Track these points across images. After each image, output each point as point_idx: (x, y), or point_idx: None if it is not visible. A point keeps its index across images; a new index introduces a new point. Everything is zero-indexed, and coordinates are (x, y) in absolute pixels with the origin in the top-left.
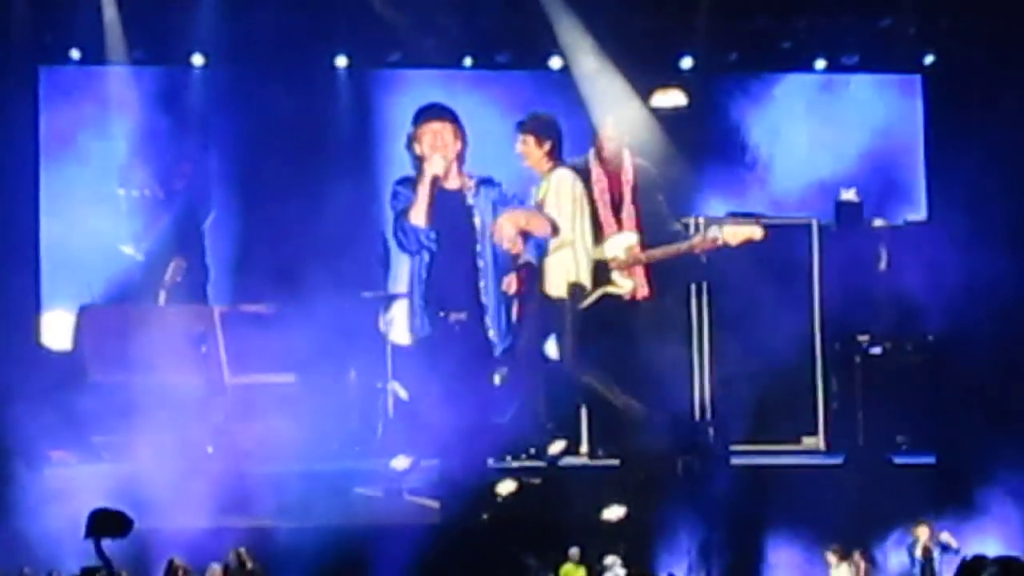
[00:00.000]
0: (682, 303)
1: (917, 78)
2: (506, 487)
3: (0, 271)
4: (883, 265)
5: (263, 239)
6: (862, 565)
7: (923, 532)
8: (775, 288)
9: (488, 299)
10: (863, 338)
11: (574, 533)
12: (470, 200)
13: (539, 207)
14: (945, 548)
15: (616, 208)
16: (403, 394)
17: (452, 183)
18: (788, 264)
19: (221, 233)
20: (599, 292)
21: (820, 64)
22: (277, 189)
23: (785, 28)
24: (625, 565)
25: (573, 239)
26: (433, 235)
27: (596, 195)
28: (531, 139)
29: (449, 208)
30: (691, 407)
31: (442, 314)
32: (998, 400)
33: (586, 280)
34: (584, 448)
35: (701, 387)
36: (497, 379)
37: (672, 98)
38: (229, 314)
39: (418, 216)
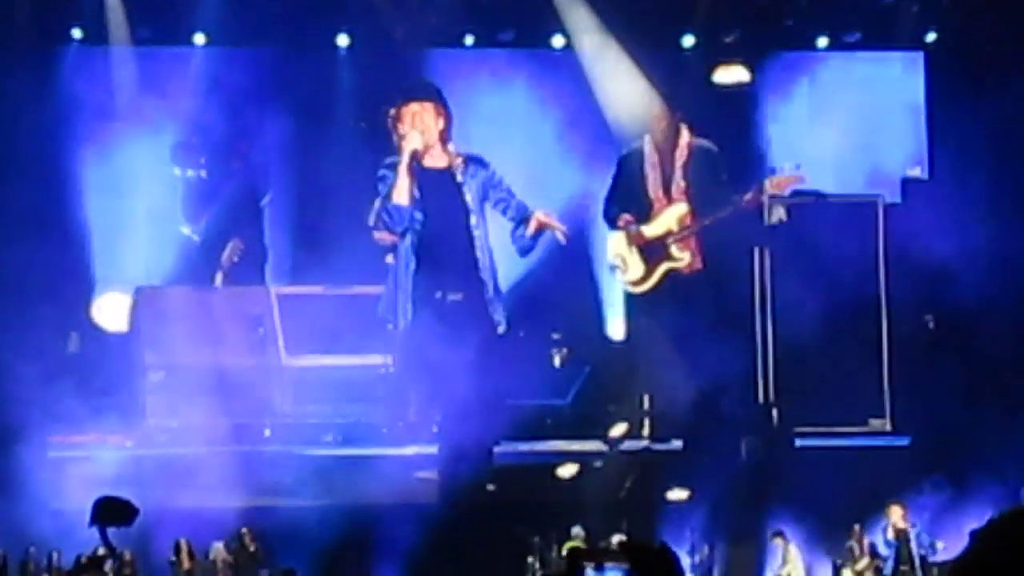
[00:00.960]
0: (738, 278)
1: (920, 55)
2: (567, 470)
3: (51, 253)
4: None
5: (319, 219)
6: (865, 541)
7: (895, 512)
8: (840, 268)
9: (487, 277)
10: (929, 317)
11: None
12: (459, 177)
13: None
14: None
15: (666, 184)
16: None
17: (438, 161)
18: (852, 242)
19: (279, 213)
20: (662, 269)
21: (822, 42)
22: (330, 170)
23: (787, 5)
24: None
25: None
26: (419, 215)
27: (647, 171)
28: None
29: (439, 187)
30: (755, 388)
31: (439, 295)
32: None
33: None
34: (646, 431)
35: (764, 368)
36: (557, 360)
37: (735, 74)
38: (286, 295)
39: (400, 195)
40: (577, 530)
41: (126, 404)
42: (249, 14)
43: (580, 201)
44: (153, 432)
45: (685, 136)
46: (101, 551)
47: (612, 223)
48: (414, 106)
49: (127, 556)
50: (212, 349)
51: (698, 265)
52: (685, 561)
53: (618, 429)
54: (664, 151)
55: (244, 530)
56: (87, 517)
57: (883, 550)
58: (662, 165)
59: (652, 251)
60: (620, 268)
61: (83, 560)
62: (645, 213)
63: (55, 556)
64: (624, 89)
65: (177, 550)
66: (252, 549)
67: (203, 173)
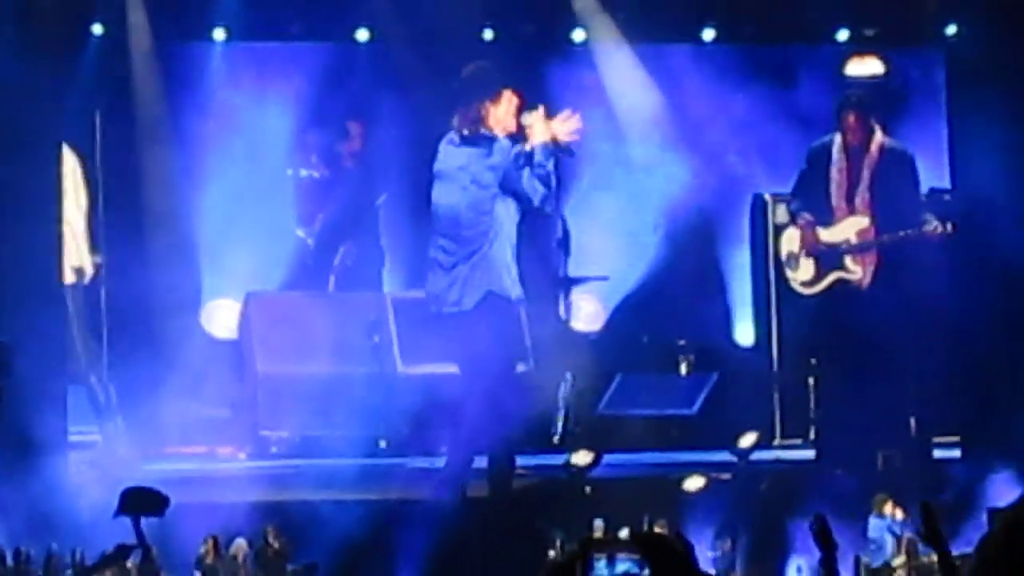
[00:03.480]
0: (905, 292)
1: (940, 47)
2: (694, 483)
3: (163, 258)
4: None
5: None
6: (904, 539)
7: (887, 505)
8: (964, 279)
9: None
10: None
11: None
12: None
13: None
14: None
15: (850, 193)
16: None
17: None
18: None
19: (396, 213)
20: (832, 277)
21: (842, 35)
22: None
23: None
24: None
25: (70, 218)
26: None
27: (833, 175)
28: None
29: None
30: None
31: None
32: None
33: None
34: (778, 441)
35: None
36: (684, 368)
37: (868, 66)
38: (403, 300)
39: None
40: (599, 523)
41: (237, 414)
42: (266, 10)
43: (703, 201)
44: (266, 442)
45: (878, 137)
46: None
47: (792, 218)
48: (512, 96)
49: (153, 551)
50: (325, 357)
51: (868, 281)
52: (707, 555)
53: (747, 439)
54: (853, 153)
55: (269, 528)
56: (114, 508)
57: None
58: (849, 171)
59: (825, 257)
60: (792, 266)
61: (107, 553)
62: (826, 217)
63: (78, 553)
64: (634, 88)
65: (207, 545)
66: (277, 546)
67: (316, 173)
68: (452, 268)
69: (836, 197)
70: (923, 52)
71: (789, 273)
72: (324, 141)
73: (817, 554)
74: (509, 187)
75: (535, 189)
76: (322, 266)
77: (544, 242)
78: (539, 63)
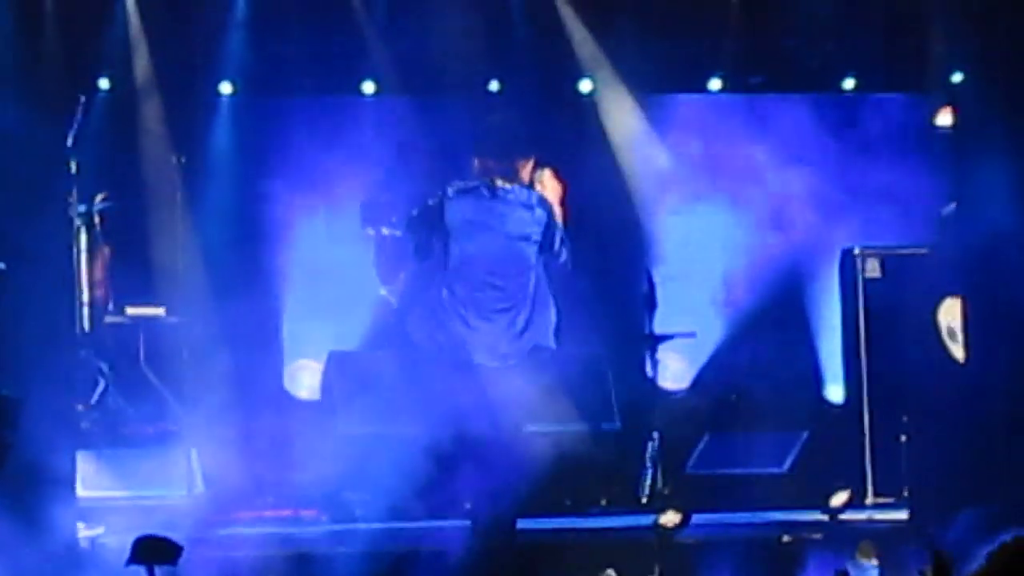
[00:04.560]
0: None
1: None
2: (785, 538)
3: (246, 315)
4: None
5: None
6: None
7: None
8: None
9: None
10: None
11: None
12: None
13: None
14: None
15: None
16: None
17: None
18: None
19: None
20: None
21: (848, 84)
22: None
23: (813, 47)
24: None
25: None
26: None
27: None
28: None
29: None
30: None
31: None
32: None
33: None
34: (870, 500)
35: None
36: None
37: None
38: None
39: None
40: (610, 572)
41: (320, 476)
42: (272, 63)
43: (793, 256)
44: (350, 505)
45: None
46: None
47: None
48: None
49: None
50: (409, 418)
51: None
52: None
53: (839, 498)
54: None
55: None
56: (126, 557)
57: None
58: None
59: None
60: (954, 338)
61: None
62: None
63: None
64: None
65: None
66: None
67: (397, 232)
68: (493, 321)
69: None
70: (929, 100)
71: (950, 345)
72: (404, 199)
73: None
74: (547, 242)
75: (561, 246)
76: (405, 325)
77: (628, 299)
78: (545, 114)
